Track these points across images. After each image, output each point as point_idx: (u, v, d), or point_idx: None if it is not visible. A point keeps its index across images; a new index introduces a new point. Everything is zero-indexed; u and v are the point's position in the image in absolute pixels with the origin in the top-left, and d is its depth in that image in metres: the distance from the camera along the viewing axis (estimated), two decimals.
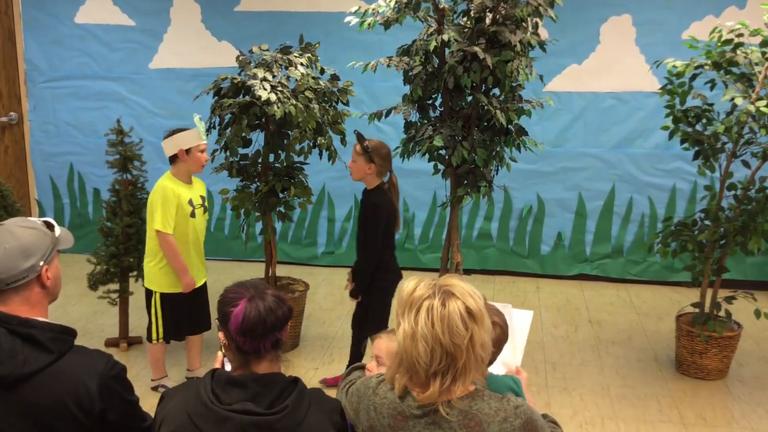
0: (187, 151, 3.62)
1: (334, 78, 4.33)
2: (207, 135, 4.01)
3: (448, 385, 1.58)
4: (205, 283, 3.93)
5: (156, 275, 3.69)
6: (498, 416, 1.60)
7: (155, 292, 3.71)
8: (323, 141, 4.16)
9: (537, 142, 4.12)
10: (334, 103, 4.29)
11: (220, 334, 1.74)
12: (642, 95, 5.54)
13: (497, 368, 2.22)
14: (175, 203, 3.59)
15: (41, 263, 1.80)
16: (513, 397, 1.65)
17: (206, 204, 3.83)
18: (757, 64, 3.83)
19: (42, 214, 6.50)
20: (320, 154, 4.32)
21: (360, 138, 3.66)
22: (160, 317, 3.73)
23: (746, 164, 4.03)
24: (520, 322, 2.40)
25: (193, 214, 3.69)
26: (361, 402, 1.74)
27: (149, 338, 3.78)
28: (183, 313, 3.79)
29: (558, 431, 1.98)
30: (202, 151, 3.67)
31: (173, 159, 3.65)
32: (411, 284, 1.65)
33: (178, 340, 3.93)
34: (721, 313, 4.18)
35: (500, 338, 2.09)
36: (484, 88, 3.85)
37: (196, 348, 4.00)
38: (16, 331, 1.72)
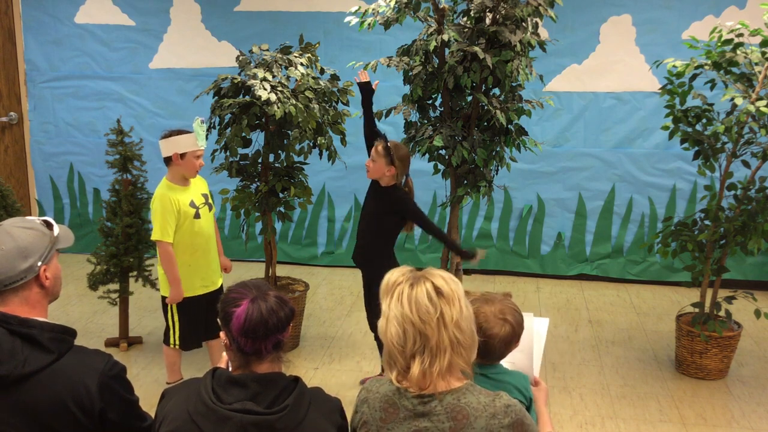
0: (182, 155, 3.52)
1: (334, 78, 4.33)
2: (207, 136, 3.99)
3: (427, 366, 1.60)
4: (221, 286, 3.82)
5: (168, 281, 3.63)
6: (486, 411, 1.60)
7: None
8: (323, 141, 4.16)
9: (537, 142, 4.12)
10: (334, 103, 4.29)
11: (222, 334, 1.74)
12: (642, 95, 5.54)
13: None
14: (174, 211, 3.51)
15: (39, 263, 1.80)
16: (506, 396, 1.65)
17: (210, 201, 3.74)
18: (757, 64, 3.83)
19: (42, 214, 6.50)
20: (320, 154, 4.32)
21: (383, 138, 3.62)
22: (177, 323, 3.65)
23: (746, 164, 4.03)
24: (538, 330, 2.30)
25: (197, 215, 3.60)
26: (359, 400, 1.76)
27: (166, 342, 3.71)
28: (200, 317, 3.71)
29: None
30: (197, 157, 3.56)
31: (168, 161, 3.57)
32: (389, 273, 1.70)
33: (197, 347, 3.82)
34: (721, 313, 4.18)
35: (510, 337, 2.08)
36: (484, 88, 3.86)
37: (218, 351, 3.89)
38: (15, 331, 1.72)
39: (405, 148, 3.65)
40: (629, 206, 5.73)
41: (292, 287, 4.56)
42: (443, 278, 1.65)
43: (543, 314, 5.13)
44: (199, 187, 3.71)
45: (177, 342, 3.68)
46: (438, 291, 1.62)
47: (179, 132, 3.55)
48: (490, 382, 2.02)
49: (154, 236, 3.53)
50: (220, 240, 3.92)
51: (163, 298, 3.68)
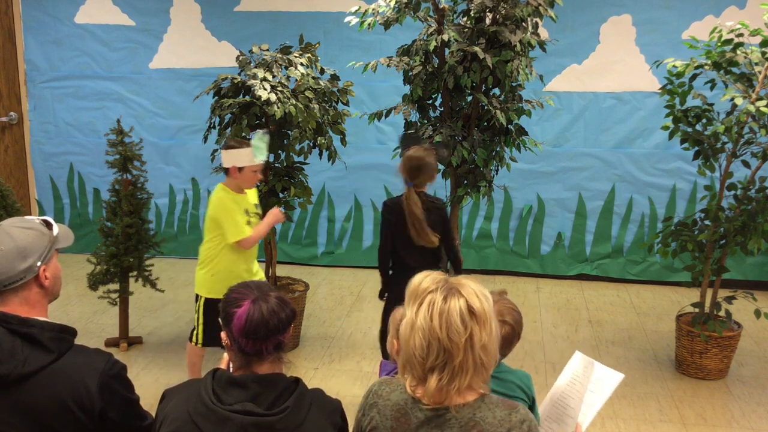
0: (240, 168, 3.56)
1: (334, 78, 4.33)
2: (206, 136, 3.98)
3: (445, 383, 1.55)
4: None
5: (204, 281, 3.66)
6: (502, 427, 1.57)
7: (201, 296, 3.69)
8: (323, 141, 4.16)
9: (537, 142, 4.12)
10: (334, 103, 4.30)
11: (223, 334, 1.74)
12: (642, 95, 5.54)
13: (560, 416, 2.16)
14: (238, 210, 3.57)
15: (39, 263, 1.80)
16: (523, 411, 1.62)
17: (259, 211, 3.78)
18: (757, 64, 3.83)
19: (42, 214, 6.50)
20: (320, 154, 4.32)
21: (401, 144, 3.55)
22: (202, 322, 3.71)
23: (746, 164, 4.03)
24: (605, 382, 2.23)
25: (248, 224, 3.65)
26: (367, 403, 1.73)
27: (190, 339, 3.78)
28: None
29: None
30: (255, 171, 3.60)
31: (226, 171, 3.62)
32: (419, 276, 1.64)
33: (222, 347, 3.88)
34: (721, 313, 4.18)
35: (510, 336, 2.08)
36: (484, 88, 3.86)
37: None
38: (15, 331, 1.72)
39: (415, 159, 3.41)
40: (629, 206, 5.73)
41: (292, 287, 4.56)
42: (477, 295, 1.59)
43: (543, 314, 5.13)
44: (251, 197, 3.75)
45: (200, 340, 3.73)
46: (471, 310, 1.56)
47: (240, 144, 3.56)
48: (493, 380, 2.02)
49: (231, 239, 3.54)
50: None
51: (196, 296, 3.72)
